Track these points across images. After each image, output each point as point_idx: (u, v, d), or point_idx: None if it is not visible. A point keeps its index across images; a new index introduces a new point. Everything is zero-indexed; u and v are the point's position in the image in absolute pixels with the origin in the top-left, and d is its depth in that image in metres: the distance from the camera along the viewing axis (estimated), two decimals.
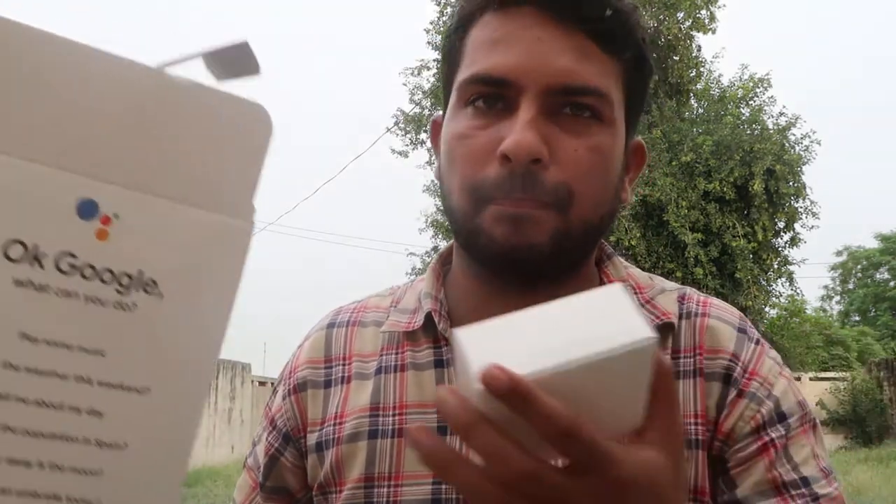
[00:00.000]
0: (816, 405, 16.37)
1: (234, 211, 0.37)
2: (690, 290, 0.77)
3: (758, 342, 0.74)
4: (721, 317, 0.74)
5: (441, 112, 0.77)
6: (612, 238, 12.70)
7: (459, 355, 0.42)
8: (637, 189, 12.74)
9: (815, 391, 16.57)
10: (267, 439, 0.78)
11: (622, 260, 0.79)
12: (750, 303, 13.11)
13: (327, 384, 0.76)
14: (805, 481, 0.67)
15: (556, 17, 0.65)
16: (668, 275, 12.78)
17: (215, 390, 14.00)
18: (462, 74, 0.68)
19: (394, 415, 0.72)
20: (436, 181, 0.77)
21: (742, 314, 0.76)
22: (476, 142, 0.66)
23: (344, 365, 0.77)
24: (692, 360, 0.71)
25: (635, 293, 0.75)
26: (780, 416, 0.69)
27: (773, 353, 0.75)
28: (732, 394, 0.69)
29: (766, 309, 14.68)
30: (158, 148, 0.35)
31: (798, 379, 16.71)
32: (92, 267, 0.34)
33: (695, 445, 0.69)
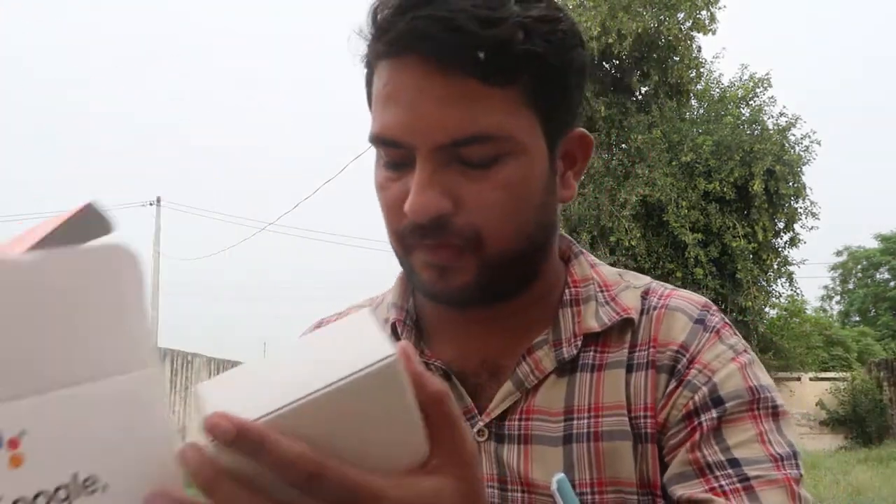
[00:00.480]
0: (816, 405, 16.37)
1: (140, 361, 0.36)
2: (656, 285, 0.77)
3: (715, 331, 0.71)
4: (679, 307, 0.73)
5: None
6: (612, 238, 12.71)
7: (200, 409, 0.39)
8: (637, 189, 12.74)
9: (815, 391, 16.57)
10: None
11: (590, 257, 0.79)
12: (750, 303, 13.11)
13: None
14: (734, 462, 0.64)
15: (436, 63, 0.63)
16: (668, 275, 12.78)
17: None
18: (372, 126, 0.69)
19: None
20: None
21: (708, 303, 0.75)
22: (391, 194, 0.68)
23: None
24: (646, 352, 0.71)
25: (601, 291, 0.75)
26: (716, 401, 0.67)
27: (733, 339, 0.72)
28: (672, 384, 0.69)
29: (766, 309, 14.67)
30: (34, 339, 0.33)
31: (798, 379, 16.70)
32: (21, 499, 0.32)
33: (645, 439, 0.69)
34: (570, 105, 0.71)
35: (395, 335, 0.76)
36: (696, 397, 0.67)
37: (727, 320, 0.75)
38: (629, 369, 0.71)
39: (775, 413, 0.68)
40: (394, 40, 0.65)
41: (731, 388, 0.67)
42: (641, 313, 0.73)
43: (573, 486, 0.67)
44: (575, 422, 0.69)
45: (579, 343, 0.71)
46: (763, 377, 0.70)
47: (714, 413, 0.66)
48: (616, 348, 0.72)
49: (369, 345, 0.40)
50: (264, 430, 0.37)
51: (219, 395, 0.39)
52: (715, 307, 0.76)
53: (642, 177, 12.96)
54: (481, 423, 0.71)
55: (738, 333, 0.74)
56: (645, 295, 0.75)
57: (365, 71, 0.72)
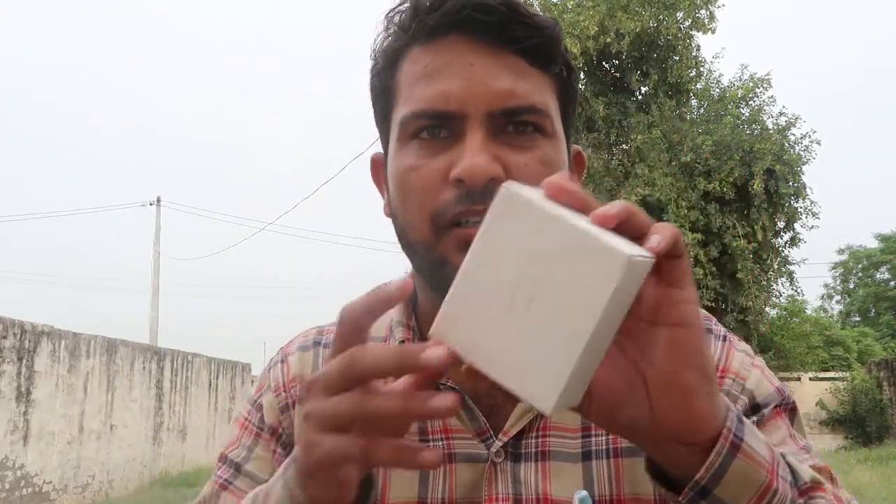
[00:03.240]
0: (816, 405, 16.36)
1: None
2: None
3: (724, 338, 0.75)
4: None
5: (380, 150, 0.76)
6: None
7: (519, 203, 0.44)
8: (637, 189, 12.73)
9: (814, 391, 16.56)
10: (275, 450, 0.76)
11: None
12: (750, 303, 13.10)
13: None
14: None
15: (484, 42, 0.66)
16: None
17: (215, 390, 14.01)
18: (402, 110, 0.68)
19: (442, 440, 0.71)
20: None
21: (706, 313, 0.76)
22: (428, 171, 0.67)
23: None
24: None
25: None
26: (755, 408, 0.70)
27: (742, 345, 0.76)
28: None
29: (767, 309, 14.67)
30: None
31: (798, 379, 16.70)
32: None
33: None
34: (574, 112, 0.74)
35: None
36: (738, 407, 0.69)
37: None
38: None
39: (794, 410, 0.72)
40: (438, 22, 0.67)
41: (764, 394, 0.71)
42: None
43: (593, 503, 0.67)
44: (593, 438, 0.70)
45: None
46: (774, 376, 0.74)
47: (754, 419, 0.69)
48: None
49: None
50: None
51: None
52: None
53: (642, 177, 12.95)
54: (499, 444, 0.69)
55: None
56: None
57: (380, 66, 0.72)
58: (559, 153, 0.69)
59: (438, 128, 0.67)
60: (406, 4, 0.69)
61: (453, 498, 0.69)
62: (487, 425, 0.71)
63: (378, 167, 0.78)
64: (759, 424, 0.69)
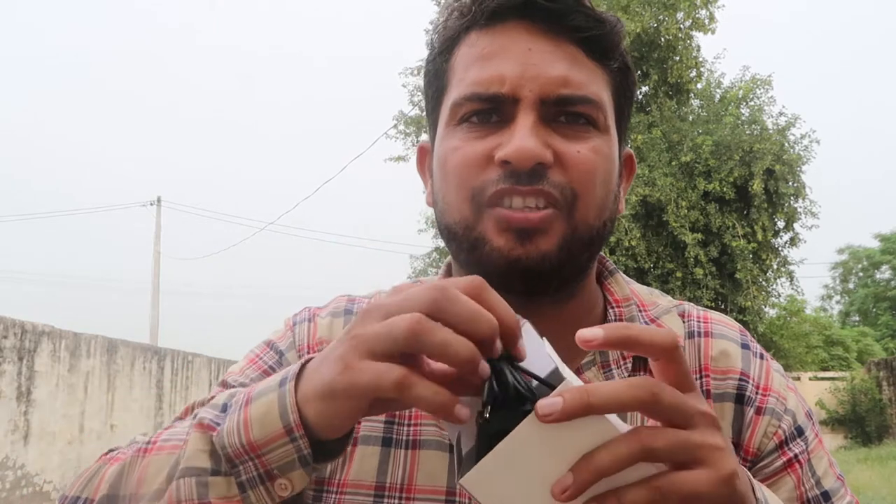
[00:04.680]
0: (816, 405, 16.36)
1: None
2: (689, 306, 0.77)
3: (761, 356, 0.74)
4: (725, 334, 0.74)
5: (427, 139, 0.75)
6: (611, 238, 12.67)
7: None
8: (637, 189, 12.73)
9: (814, 391, 16.56)
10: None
11: (624, 276, 0.78)
12: (750, 303, 13.09)
13: None
14: (826, 496, 0.69)
15: (544, 29, 0.65)
16: (668, 275, 12.77)
17: None
18: (453, 93, 0.67)
19: (409, 425, 0.70)
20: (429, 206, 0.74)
21: (742, 327, 0.77)
22: (473, 150, 0.65)
23: None
24: (699, 381, 0.71)
25: (639, 311, 0.74)
26: (799, 431, 0.70)
27: (776, 364, 0.75)
28: (750, 412, 0.70)
29: (766, 309, 14.66)
30: None
31: (797, 379, 16.70)
32: None
33: None
34: (629, 113, 0.73)
35: None
36: (783, 426, 0.70)
37: None
38: None
39: (819, 431, 0.73)
40: (499, 6, 0.66)
41: (802, 417, 0.72)
42: (684, 338, 0.73)
43: None
44: None
45: (629, 366, 0.70)
46: (804, 399, 0.75)
47: (801, 444, 0.70)
48: None
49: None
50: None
51: None
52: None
53: (642, 177, 12.94)
54: None
55: None
56: (683, 318, 0.75)
57: (437, 50, 0.70)
58: (611, 149, 0.68)
59: (490, 112, 0.65)
60: None
61: (412, 484, 0.68)
62: None
63: (424, 155, 0.76)
64: (808, 451, 0.70)
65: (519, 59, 0.65)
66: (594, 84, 0.66)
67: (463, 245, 0.67)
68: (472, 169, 0.65)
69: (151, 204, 20.44)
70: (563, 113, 0.65)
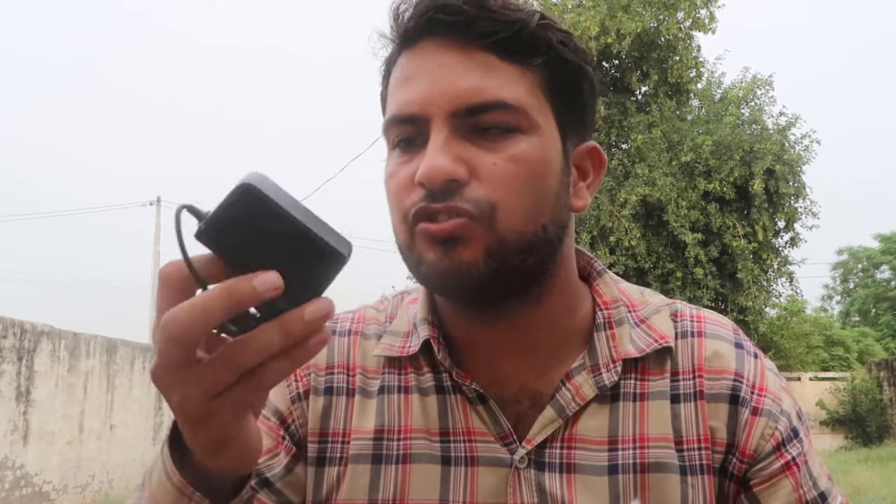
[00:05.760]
0: (816, 405, 16.36)
1: None
2: (681, 305, 0.76)
3: (756, 355, 0.74)
4: (718, 334, 0.74)
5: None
6: (611, 238, 12.70)
7: None
8: (637, 189, 12.73)
9: (814, 391, 16.56)
10: (284, 438, 0.73)
11: (613, 275, 0.78)
12: (750, 303, 13.10)
13: (328, 391, 0.74)
14: (823, 496, 0.70)
15: (454, 41, 0.65)
16: (668, 275, 12.78)
17: None
18: (384, 120, 0.69)
19: (398, 439, 0.70)
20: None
21: (735, 325, 0.76)
22: (401, 174, 0.66)
23: (347, 375, 0.74)
24: (692, 382, 0.71)
25: (628, 311, 0.74)
26: (794, 432, 0.71)
27: (770, 363, 0.75)
28: (745, 413, 0.70)
29: (766, 309, 14.67)
30: None
31: (798, 379, 16.70)
32: None
33: (699, 471, 0.69)
34: (583, 110, 0.71)
35: (431, 353, 0.72)
36: (780, 427, 0.70)
37: None
38: (674, 400, 0.70)
39: (808, 429, 0.74)
40: (412, 27, 0.66)
41: (795, 418, 0.72)
42: (676, 338, 0.73)
43: None
44: (620, 452, 0.69)
45: (619, 369, 0.70)
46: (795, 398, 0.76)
47: (798, 446, 0.71)
48: (657, 376, 0.71)
49: None
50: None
51: None
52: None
53: (642, 177, 12.95)
54: (523, 451, 0.68)
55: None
56: (675, 318, 0.74)
57: (381, 80, 0.72)
58: (543, 150, 0.66)
59: (412, 136, 0.66)
60: (400, 5, 0.68)
61: (405, 499, 0.68)
62: (511, 430, 0.69)
63: None
64: (804, 453, 0.71)
65: (429, 77, 0.65)
66: (510, 87, 0.65)
67: (409, 265, 0.68)
68: (403, 193, 0.66)
69: (151, 204, 20.46)
70: (478, 123, 0.64)
